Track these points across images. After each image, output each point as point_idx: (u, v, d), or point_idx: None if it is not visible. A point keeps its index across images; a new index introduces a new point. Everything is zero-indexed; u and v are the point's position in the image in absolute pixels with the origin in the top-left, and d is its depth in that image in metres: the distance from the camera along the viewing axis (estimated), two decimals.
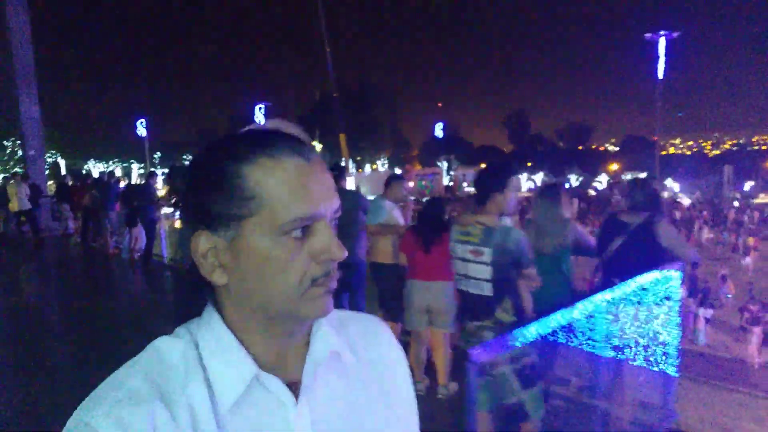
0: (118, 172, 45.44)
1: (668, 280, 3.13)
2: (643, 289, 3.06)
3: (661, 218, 3.46)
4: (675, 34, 28.95)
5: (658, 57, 30.19)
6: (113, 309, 6.00)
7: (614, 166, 76.10)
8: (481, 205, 2.92)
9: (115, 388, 0.62)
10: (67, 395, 3.34)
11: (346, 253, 0.66)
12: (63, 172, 18.66)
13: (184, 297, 0.69)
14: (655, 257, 3.17)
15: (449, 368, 3.98)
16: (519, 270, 2.86)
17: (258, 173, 0.62)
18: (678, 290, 3.20)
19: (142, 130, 43.57)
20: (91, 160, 40.55)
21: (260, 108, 49.44)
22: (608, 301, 2.80)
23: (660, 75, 29.58)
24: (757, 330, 12.43)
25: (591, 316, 2.84)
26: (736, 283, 18.43)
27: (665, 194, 58.77)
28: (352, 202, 4.60)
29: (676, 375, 3.26)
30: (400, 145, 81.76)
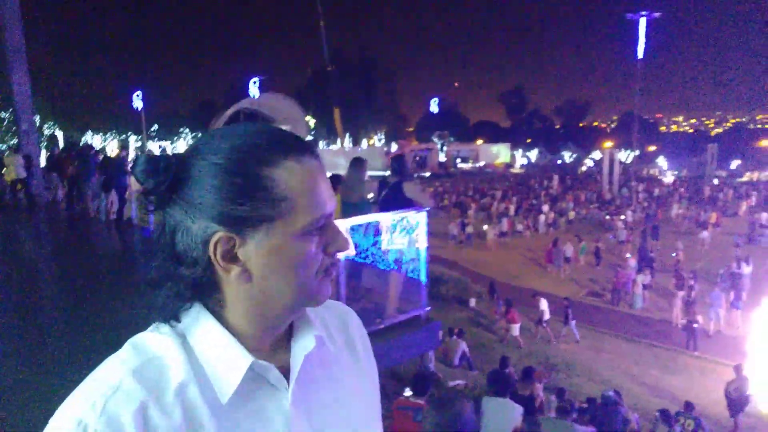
0: (115, 144, 46.39)
1: (414, 217, 4.89)
2: (398, 220, 4.75)
3: (408, 179, 5.01)
4: (656, 15, 29.52)
5: (643, 37, 30.77)
6: (90, 260, 7.26)
7: (608, 144, 76.62)
8: None
9: (102, 383, 0.62)
10: (56, 330, 4.57)
11: (351, 244, 1.08)
12: (61, 143, 19.68)
13: (181, 292, 0.67)
14: (403, 203, 4.79)
15: None
16: None
17: (286, 176, 0.64)
18: (421, 225, 4.93)
19: (138, 103, 44.29)
20: (89, 132, 41.46)
21: (254, 81, 49.83)
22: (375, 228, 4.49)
23: (640, 55, 30.22)
24: (681, 294, 13.77)
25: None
26: (693, 254, 19.73)
27: (653, 171, 59.42)
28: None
29: (424, 281, 4.93)
30: (397, 121, 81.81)
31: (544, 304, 12.22)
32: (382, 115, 74.87)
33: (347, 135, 72.37)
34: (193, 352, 0.66)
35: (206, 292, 0.68)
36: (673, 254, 18.13)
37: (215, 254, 0.65)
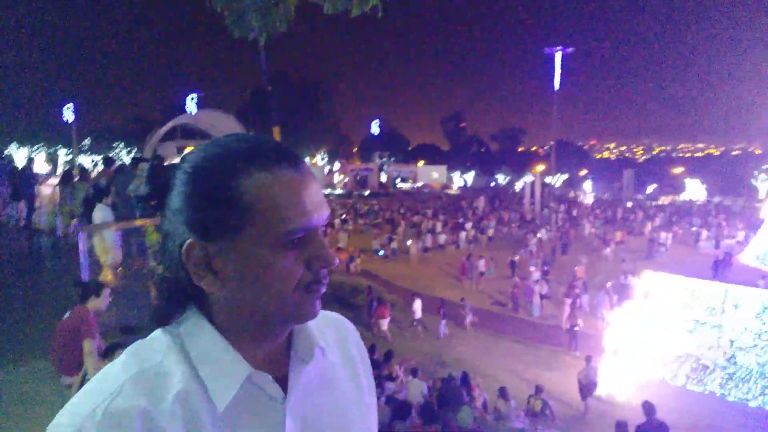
0: (43, 158, 44.85)
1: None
2: None
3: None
4: (569, 50, 32.10)
5: (559, 69, 33.22)
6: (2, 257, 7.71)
7: (539, 167, 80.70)
8: None
9: (99, 391, 0.62)
10: None
11: (338, 261, 0.70)
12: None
13: (165, 302, 0.68)
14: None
15: None
16: None
17: (254, 186, 0.64)
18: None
19: (69, 115, 43.19)
20: (14, 143, 40.07)
21: (192, 98, 49.67)
22: None
23: (556, 86, 32.62)
24: (568, 301, 15.21)
25: None
26: (596, 267, 21.52)
27: (578, 194, 62.95)
28: None
29: None
30: (340, 141, 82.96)
31: (417, 305, 13.68)
32: (324, 134, 75.85)
33: None
34: (191, 359, 0.66)
35: (197, 298, 0.69)
36: (576, 267, 19.76)
37: (188, 260, 0.65)
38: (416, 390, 6.99)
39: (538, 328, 15.21)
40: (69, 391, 3.40)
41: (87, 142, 50.25)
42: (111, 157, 8.17)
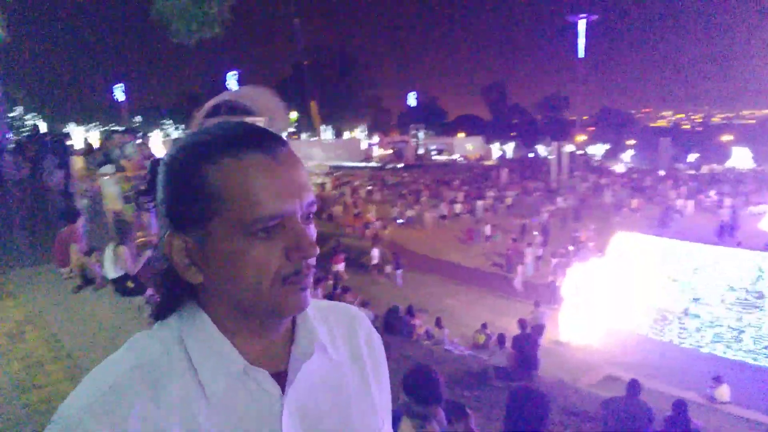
0: (97, 136, 48.35)
1: None
2: None
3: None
4: (594, 17, 31.80)
5: (583, 38, 33.02)
6: (39, 217, 9.64)
7: (581, 137, 79.19)
8: None
9: (98, 384, 0.62)
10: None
11: (317, 250, 0.66)
12: (46, 133, 21.95)
13: (164, 294, 0.69)
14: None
15: None
16: None
17: (221, 173, 0.62)
18: None
19: (120, 95, 46.31)
20: (72, 123, 43.53)
21: (233, 74, 51.80)
22: None
23: (581, 54, 32.53)
24: (554, 261, 16.20)
25: None
26: (604, 233, 22.25)
27: (617, 164, 61.87)
28: None
29: None
30: (380, 113, 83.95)
31: (375, 254, 15.98)
32: (363, 108, 77.03)
33: (329, 127, 74.67)
34: (188, 353, 0.66)
35: (196, 290, 0.69)
36: (576, 233, 20.61)
37: (170, 253, 0.66)
38: None
39: (527, 286, 16.38)
40: (65, 275, 5.23)
41: (138, 119, 53.51)
42: (115, 130, 9.93)
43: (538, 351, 7.77)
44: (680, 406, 5.17)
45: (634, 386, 4.92)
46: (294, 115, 64.43)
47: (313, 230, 0.68)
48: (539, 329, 10.53)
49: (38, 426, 3.28)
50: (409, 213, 25.21)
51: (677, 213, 25.01)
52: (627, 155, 65.56)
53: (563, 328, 11.87)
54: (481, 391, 6.33)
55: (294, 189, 0.65)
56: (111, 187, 7.22)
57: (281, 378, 0.69)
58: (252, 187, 0.62)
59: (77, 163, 10.31)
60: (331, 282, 11.73)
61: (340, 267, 15.24)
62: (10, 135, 15.20)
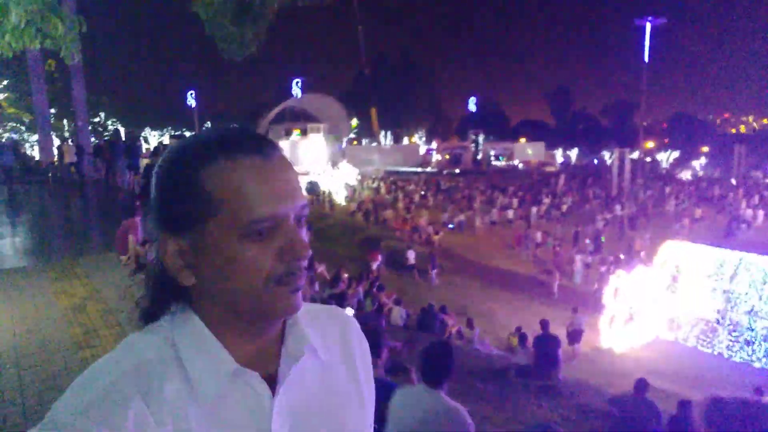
0: (167, 140, 51.69)
1: None
2: None
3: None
4: (661, 20, 30.71)
5: (648, 42, 31.95)
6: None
7: (650, 144, 75.95)
8: None
9: (93, 385, 0.62)
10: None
11: (310, 252, 0.67)
12: (123, 137, 23.99)
13: (155, 296, 0.70)
14: None
15: None
16: None
17: (216, 175, 0.63)
18: None
19: (192, 101, 49.06)
20: (147, 128, 46.63)
21: (297, 82, 53.47)
22: None
23: (646, 59, 31.52)
24: (602, 269, 15.93)
25: None
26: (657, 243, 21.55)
27: (685, 173, 59.02)
28: None
29: None
30: (439, 119, 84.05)
31: (410, 255, 16.38)
32: (423, 114, 77.45)
33: (388, 133, 75.68)
34: (180, 355, 0.66)
35: (188, 292, 0.69)
36: (635, 241, 20.10)
37: (164, 255, 0.67)
38: (396, 315, 8.93)
39: (574, 293, 16.22)
40: (123, 262, 6.04)
41: (208, 124, 56.44)
42: (174, 135, 10.94)
43: (559, 351, 7.89)
44: (685, 405, 5.21)
45: (640, 384, 5.04)
46: (355, 121, 65.80)
47: (305, 233, 0.68)
48: (577, 334, 10.55)
49: None
50: (459, 218, 25.35)
51: (744, 223, 23.78)
52: (699, 162, 62.26)
53: (604, 335, 11.76)
54: (496, 386, 6.57)
55: (288, 192, 0.66)
56: None
57: (272, 380, 0.70)
58: (247, 190, 0.63)
59: (144, 164, 11.39)
60: (367, 281, 12.21)
61: (376, 265, 15.56)
62: (92, 140, 16.75)
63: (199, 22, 10.34)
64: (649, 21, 30.63)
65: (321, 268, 12.44)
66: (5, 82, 24.43)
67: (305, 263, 0.67)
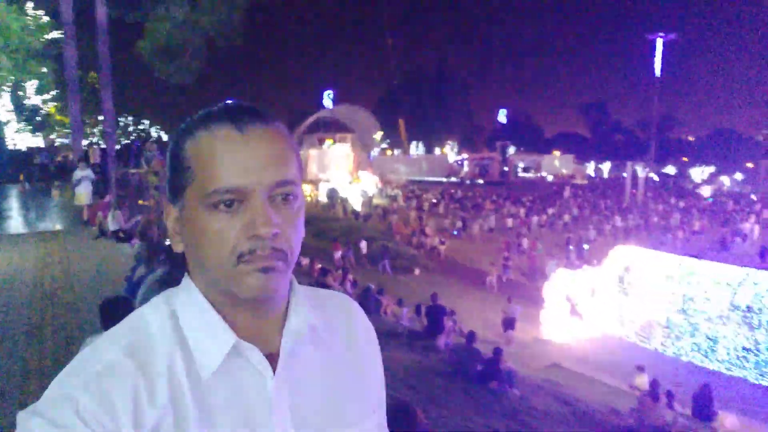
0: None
1: None
2: None
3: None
4: (672, 36, 31.17)
5: (660, 56, 32.35)
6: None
7: (684, 159, 74.69)
8: None
9: (95, 359, 0.62)
10: None
11: (273, 230, 0.63)
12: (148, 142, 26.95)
13: (167, 268, 0.72)
14: None
15: None
16: None
17: (192, 145, 0.65)
18: None
19: None
20: None
21: (328, 94, 55.51)
22: None
23: (657, 73, 31.99)
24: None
25: None
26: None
27: (705, 189, 58.11)
28: None
29: None
30: (471, 130, 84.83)
31: (363, 245, 18.20)
32: (454, 124, 78.51)
33: (420, 143, 77.21)
34: (182, 328, 0.67)
35: (185, 265, 0.70)
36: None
37: (167, 224, 0.69)
38: None
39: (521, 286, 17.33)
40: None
41: None
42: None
43: (444, 319, 9.40)
44: (497, 352, 6.67)
45: (471, 336, 6.49)
46: (379, 133, 67.62)
47: (279, 212, 0.65)
48: (510, 322, 11.78)
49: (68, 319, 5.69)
50: (459, 225, 26.62)
51: (739, 236, 24.13)
52: (731, 178, 60.99)
53: (545, 327, 12.91)
54: (387, 345, 8.04)
55: (257, 165, 0.64)
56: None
57: (273, 360, 0.69)
58: (213, 159, 0.63)
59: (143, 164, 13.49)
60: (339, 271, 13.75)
61: (337, 255, 17.27)
62: (115, 145, 19.04)
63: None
64: (662, 36, 31.17)
65: (305, 261, 14.14)
66: (54, 92, 27.49)
67: (276, 243, 0.64)
